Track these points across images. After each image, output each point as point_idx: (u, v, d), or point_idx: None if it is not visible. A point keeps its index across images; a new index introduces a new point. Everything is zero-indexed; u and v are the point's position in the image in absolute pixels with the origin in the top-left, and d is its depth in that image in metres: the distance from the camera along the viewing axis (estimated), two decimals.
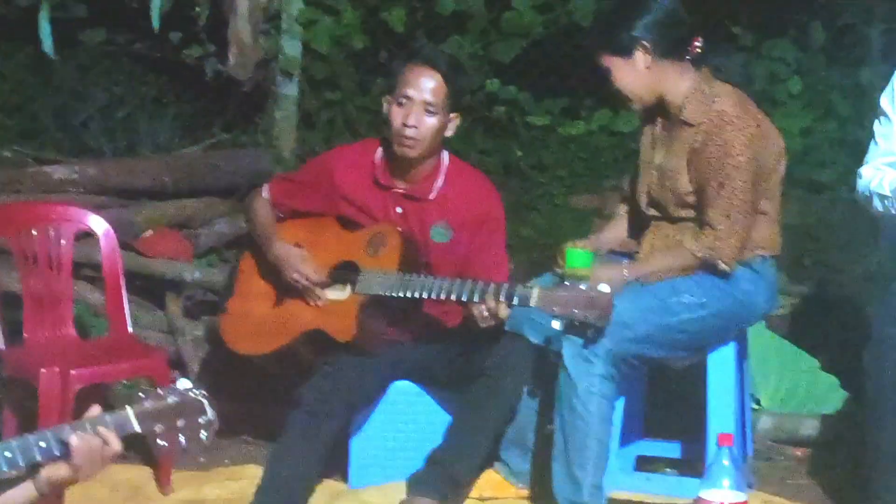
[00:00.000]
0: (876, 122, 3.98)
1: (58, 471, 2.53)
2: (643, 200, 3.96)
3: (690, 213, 3.84)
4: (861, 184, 3.94)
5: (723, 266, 3.77)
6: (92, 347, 4.39)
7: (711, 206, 3.75)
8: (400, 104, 3.95)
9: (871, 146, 3.98)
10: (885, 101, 3.96)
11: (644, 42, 3.80)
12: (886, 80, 3.97)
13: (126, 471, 4.16)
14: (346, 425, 4.00)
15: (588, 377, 3.67)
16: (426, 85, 3.95)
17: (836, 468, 4.34)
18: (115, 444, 2.55)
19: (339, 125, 6.82)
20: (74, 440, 2.50)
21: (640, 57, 3.82)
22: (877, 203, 3.89)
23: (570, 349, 3.68)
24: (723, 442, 3.41)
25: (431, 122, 3.95)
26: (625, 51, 3.81)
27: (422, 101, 3.94)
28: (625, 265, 3.86)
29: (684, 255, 3.80)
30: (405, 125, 3.93)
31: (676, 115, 3.86)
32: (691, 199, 3.82)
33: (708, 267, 3.78)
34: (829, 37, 7.00)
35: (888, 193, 3.83)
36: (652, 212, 3.94)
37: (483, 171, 4.39)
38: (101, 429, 2.52)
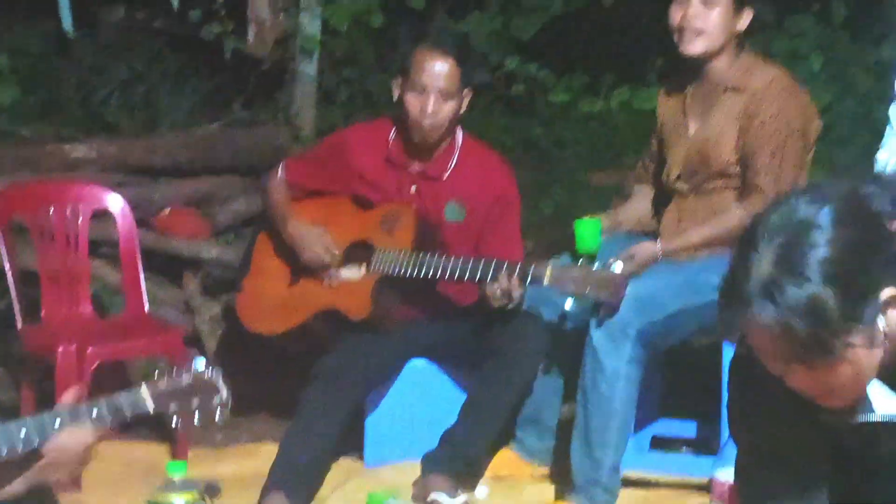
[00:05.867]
0: (893, 105, 3.94)
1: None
2: (673, 173, 3.87)
3: (722, 184, 3.77)
4: (878, 168, 3.91)
5: None
6: (108, 325, 4.41)
7: (764, 172, 3.68)
8: (415, 92, 3.91)
9: (888, 130, 3.94)
10: None
11: (757, 6, 3.77)
12: None
13: (142, 448, 4.19)
14: (360, 402, 4.00)
15: (616, 359, 3.63)
16: (440, 71, 3.89)
17: None
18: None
19: (358, 102, 6.82)
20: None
21: (745, 17, 3.77)
22: None
23: (599, 329, 3.64)
24: None
25: (449, 106, 3.92)
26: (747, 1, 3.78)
27: (437, 88, 3.89)
28: (659, 242, 3.77)
29: (728, 220, 3.70)
30: (424, 114, 3.90)
31: (717, 81, 3.79)
32: (733, 168, 3.74)
33: None
34: (851, 12, 6.94)
35: None
36: (680, 185, 3.86)
37: (502, 149, 4.38)
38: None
